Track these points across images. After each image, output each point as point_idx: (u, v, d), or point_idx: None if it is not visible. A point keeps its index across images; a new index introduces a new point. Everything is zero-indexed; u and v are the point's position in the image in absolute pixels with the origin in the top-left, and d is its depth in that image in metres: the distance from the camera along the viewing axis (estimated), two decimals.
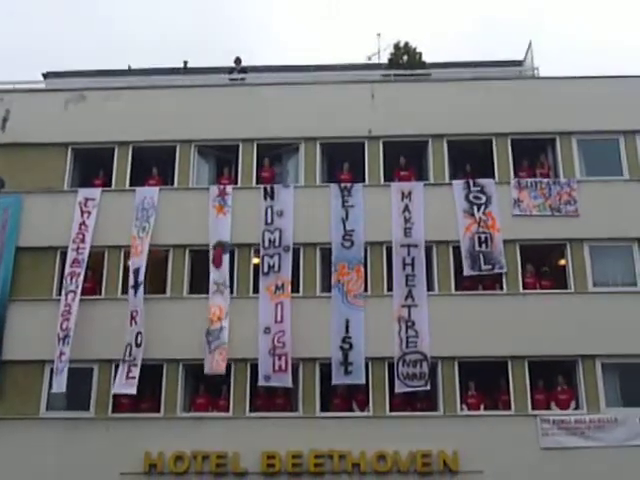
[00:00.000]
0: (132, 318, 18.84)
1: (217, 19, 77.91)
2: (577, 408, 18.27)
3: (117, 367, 18.64)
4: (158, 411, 18.57)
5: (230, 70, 22.83)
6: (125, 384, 18.34)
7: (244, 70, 22.80)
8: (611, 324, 18.48)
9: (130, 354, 18.52)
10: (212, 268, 19.34)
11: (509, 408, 18.30)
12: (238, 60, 22.77)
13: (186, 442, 17.92)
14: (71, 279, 19.30)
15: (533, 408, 18.21)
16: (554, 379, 18.60)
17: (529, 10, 71.52)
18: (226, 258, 19.37)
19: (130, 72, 26.97)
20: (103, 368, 18.84)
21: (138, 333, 18.64)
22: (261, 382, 18.35)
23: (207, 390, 18.84)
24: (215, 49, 64.04)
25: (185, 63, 27.76)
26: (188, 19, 75.55)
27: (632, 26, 70.56)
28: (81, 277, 19.28)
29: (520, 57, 24.31)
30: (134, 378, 18.26)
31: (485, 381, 18.65)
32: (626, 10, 71.40)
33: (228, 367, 18.62)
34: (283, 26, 76.47)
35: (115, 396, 18.57)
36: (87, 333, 18.81)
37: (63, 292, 19.23)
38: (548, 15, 72.41)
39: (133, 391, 18.26)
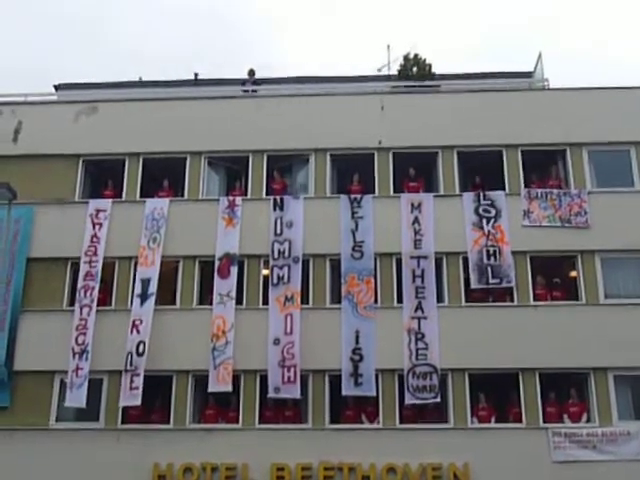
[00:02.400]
0: (134, 327, 18.86)
1: (228, 32, 78.39)
2: (589, 421, 18.14)
3: (123, 376, 18.62)
4: (167, 422, 18.57)
5: (243, 82, 22.90)
6: (129, 395, 18.32)
7: (257, 82, 22.84)
8: (623, 336, 18.34)
9: (131, 363, 18.50)
10: (217, 279, 19.36)
11: (520, 421, 18.19)
12: (252, 72, 22.82)
13: (195, 454, 17.89)
14: (85, 292, 19.36)
15: (544, 421, 18.09)
16: (565, 392, 18.50)
17: (539, 22, 71.59)
18: (234, 270, 19.38)
19: (141, 84, 27.08)
20: (113, 379, 18.82)
21: (140, 342, 18.64)
22: (270, 394, 18.31)
23: (216, 401, 18.80)
24: (226, 61, 64.37)
25: (196, 75, 27.86)
26: (199, 32, 76.00)
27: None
28: (95, 291, 19.37)
29: (530, 68, 24.29)
30: (137, 388, 18.24)
31: (496, 393, 18.59)
32: (636, 22, 71.45)
33: (237, 378, 18.62)
34: (294, 38, 76.85)
35: (124, 407, 18.57)
36: (97, 344, 18.87)
37: (77, 305, 19.28)
38: (558, 26, 72.42)
39: (137, 402, 18.23)
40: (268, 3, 76.31)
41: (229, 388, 18.29)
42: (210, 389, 18.46)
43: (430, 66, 27.49)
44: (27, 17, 71.36)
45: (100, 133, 20.96)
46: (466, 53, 65.04)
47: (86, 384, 18.48)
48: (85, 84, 25.32)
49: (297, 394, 18.23)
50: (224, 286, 19.26)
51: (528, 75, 24.33)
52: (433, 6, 74.65)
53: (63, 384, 18.90)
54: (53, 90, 25.50)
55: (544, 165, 20.45)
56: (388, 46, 28.88)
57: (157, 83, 25.58)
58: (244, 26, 79.24)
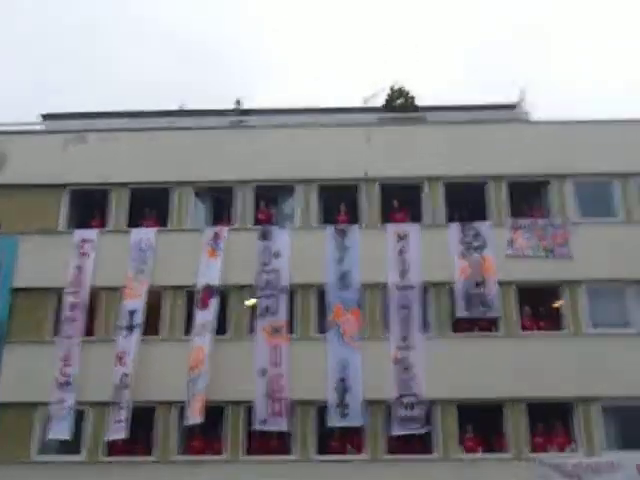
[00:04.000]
0: (120, 359, 18.76)
1: (215, 63, 78.80)
2: (574, 451, 18.15)
3: (109, 409, 18.48)
4: (152, 454, 18.36)
5: (230, 112, 23.00)
6: (116, 429, 18.18)
7: (244, 113, 22.97)
8: (609, 366, 18.48)
9: (117, 396, 18.37)
10: (197, 311, 19.29)
11: (507, 451, 18.17)
12: (238, 103, 22.98)
13: None
14: (70, 324, 19.22)
15: (531, 451, 18.08)
16: (552, 422, 18.50)
17: (522, 54, 72.65)
18: (214, 302, 19.27)
19: (128, 114, 27.09)
20: (96, 411, 18.67)
21: (124, 375, 18.53)
22: (257, 426, 18.20)
23: (202, 433, 18.61)
24: (212, 92, 64.54)
25: (183, 105, 27.89)
26: (186, 63, 76.34)
27: (622, 70, 71.69)
28: (80, 322, 19.27)
29: (513, 101, 24.58)
30: (123, 422, 18.10)
31: (483, 424, 18.54)
32: (617, 55, 72.70)
33: (222, 409, 18.48)
34: (281, 70, 77.32)
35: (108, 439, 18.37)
36: (81, 375, 18.75)
37: (62, 336, 19.14)
38: (540, 60, 73.49)
39: (123, 435, 18.08)
40: (256, 33, 76.99)
41: (198, 420, 17.99)
42: (186, 422, 18.28)
43: (413, 98, 27.77)
44: (18, 45, 71.54)
45: (86, 163, 20.95)
46: (451, 85, 65.76)
47: (71, 416, 18.32)
48: (72, 114, 25.27)
49: (285, 427, 18.15)
50: (203, 317, 19.17)
51: (512, 107, 24.62)
52: (421, 38, 75.64)
53: (46, 416, 18.67)
54: (41, 119, 25.46)
55: (529, 196, 20.65)
56: (374, 78, 29.16)
57: (144, 113, 25.59)
58: (231, 57, 79.81)
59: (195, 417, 18.03)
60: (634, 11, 65.99)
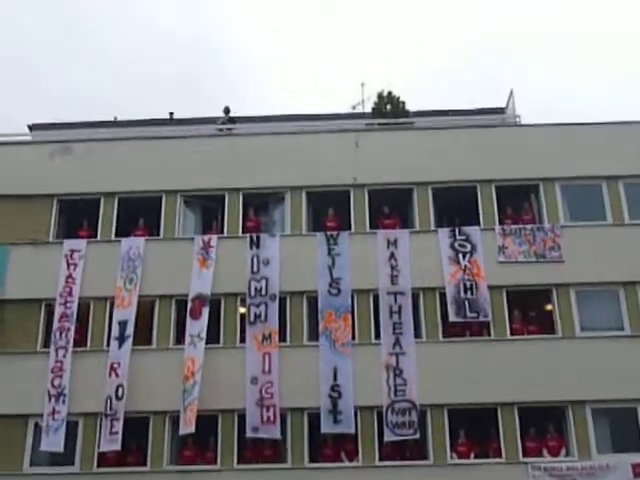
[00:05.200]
0: (112, 370, 18.70)
1: (204, 70, 78.92)
2: (568, 455, 18.15)
3: (102, 420, 18.39)
4: (144, 464, 18.29)
5: (220, 120, 23.00)
6: (109, 440, 18.10)
7: (232, 120, 22.96)
8: (600, 369, 18.48)
9: (111, 408, 18.31)
10: (189, 320, 19.25)
11: (500, 456, 18.16)
12: (227, 110, 22.95)
13: None
14: (60, 334, 19.17)
15: (524, 455, 18.07)
16: (544, 425, 18.49)
17: (511, 58, 72.91)
18: (205, 310, 19.25)
19: (116, 123, 27.15)
20: (88, 422, 18.60)
21: (119, 386, 18.48)
22: (249, 434, 18.14)
23: (194, 442, 18.54)
24: (202, 100, 64.72)
25: (171, 114, 27.95)
26: (175, 71, 76.42)
27: (609, 74, 72.05)
28: (71, 332, 19.20)
29: (502, 105, 24.64)
30: (117, 433, 18.04)
31: (475, 429, 18.52)
32: (605, 59, 73.08)
33: (214, 418, 18.41)
34: (270, 77, 77.47)
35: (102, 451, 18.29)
36: (72, 386, 18.65)
37: (53, 347, 19.07)
38: (529, 63, 73.79)
39: (117, 447, 18.03)
40: (244, 42, 77.08)
41: (192, 430, 17.90)
42: (180, 431, 18.23)
43: (404, 103, 27.85)
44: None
45: (75, 173, 20.90)
46: (440, 90, 66.00)
47: (64, 427, 18.26)
48: (59, 124, 25.31)
49: (277, 434, 18.10)
50: (195, 327, 19.13)
51: (500, 111, 24.68)
52: (408, 43, 75.91)
53: (38, 427, 18.60)
54: (27, 130, 25.46)
55: (518, 200, 20.68)
56: (362, 84, 29.14)
57: (132, 122, 25.63)
58: (218, 63, 79.86)
59: (187, 427, 17.96)
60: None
